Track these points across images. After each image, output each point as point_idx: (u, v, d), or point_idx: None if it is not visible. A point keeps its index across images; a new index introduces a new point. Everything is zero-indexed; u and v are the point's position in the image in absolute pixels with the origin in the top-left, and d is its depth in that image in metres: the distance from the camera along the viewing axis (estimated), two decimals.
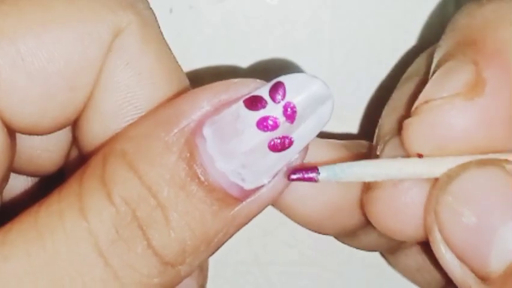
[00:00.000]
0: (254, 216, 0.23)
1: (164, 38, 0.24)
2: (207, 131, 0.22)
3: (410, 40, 0.35)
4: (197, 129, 0.22)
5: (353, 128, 0.36)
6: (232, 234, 0.23)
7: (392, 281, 0.37)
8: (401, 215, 0.24)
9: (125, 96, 0.23)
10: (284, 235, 0.37)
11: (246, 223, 0.23)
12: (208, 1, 0.34)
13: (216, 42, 0.34)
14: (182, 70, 0.24)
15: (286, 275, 0.38)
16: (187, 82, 0.24)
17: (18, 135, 0.25)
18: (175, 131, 0.22)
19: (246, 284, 0.38)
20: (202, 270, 0.27)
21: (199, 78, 0.34)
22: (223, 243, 0.23)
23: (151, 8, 0.24)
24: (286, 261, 0.37)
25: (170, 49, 0.24)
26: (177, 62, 0.24)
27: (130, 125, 0.23)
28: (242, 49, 0.35)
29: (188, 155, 0.21)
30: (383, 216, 0.25)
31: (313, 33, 0.35)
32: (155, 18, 0.24)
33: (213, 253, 0.23)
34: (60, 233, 0.21)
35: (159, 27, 0.24)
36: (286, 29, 0.35)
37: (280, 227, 0.37)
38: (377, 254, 0.37)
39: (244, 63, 0.35)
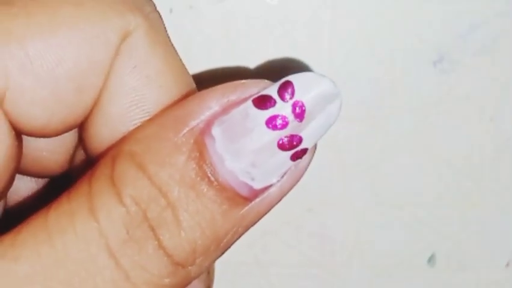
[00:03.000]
0: (262, 216, 0.23)
1: (171, 41, 0.24)
2: (216, 130, 0.22)
3: (410, 40, 0.35)
4: (206, 129, 0.22)
5: (353, 127, 0.36)
6: (241, 235, 0.23)
7: (392, 282, 0.37)
8: None
9: (132, 99, 0.23)
10: (285, 236, 0.37)
11: (255, 223, 0.23)
12: (208, 1, 0.34)
13: (216, 42, 0.34)
14: (189, 73, 0.24)
15: (286, 276, 0.38)
16: (193, 85, 0.24)
17: (24, 136, 0.24)
18: (184, 131, 0.22)
19: (247, 285, 0.38)
20: (208, 273, 0.27)
21: (200, 78, 0.34)
22: (232, 244, 0.23)
23: (157, 11, 0.24)
24: (287, 262, 0.38)
25: (177, 52, 0.24)
26: (184, 65, 0.24)
27: (138, 127, 0.23)
28: (242, 49, 0.35)
29: (197, 154, 0.21)
30: None
31: (313, 33, 0.35)
32: (162, 21, 0.24)
33: (222, 254, 0.23)
34: (70, 234, 0.21)
35: (166, 30, 0.24)
36: (286, 29, 0.35)
37: (280, 227, 0.37)
38: (377, 255, 0.37)
39: (244, 63, 0.35)
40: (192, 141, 0.21)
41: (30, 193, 0.28)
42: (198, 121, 0.22)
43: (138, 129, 0.23)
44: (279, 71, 0.35)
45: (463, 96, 0.36)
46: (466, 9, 0.35)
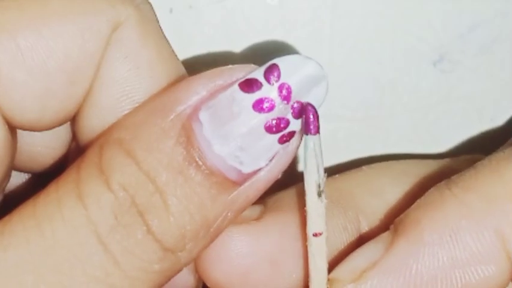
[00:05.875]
0: (252, 200, 0.23)
1: (162, 32, 0.24)
2: (203, 115, 0.22)
3: (410, 40, 0.35)
4: (193, 114, 0.22)
5: (353, 127, 0.36)
6: (231, 221, 0.23)
7: None
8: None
9: (123, 89, 0.23)
10: None
11: (245, 208, 0.23)
12: (208, 1, 0.34)
13: (216, 42, 0.34)
14: (181, 64, 0.25)
15: None
16: (186, 76, 0.24)
17: (18, 132, 0.25)
18: (172, 116, 0.22)
19: None
20: None
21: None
22: (222, 230, 0.23)
23: (149, 2, 0.24)
24: None
25: (169, 42, 0.24)
26: (176, 56, 0.24)
27: (126, 115, 0.23)
28: (242, 49, 0.35)
29: (185, 139, 0.21)
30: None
31: (313, 33, 0.35)
32: (154, 11, 0.24)
33: (213, 241, 0.23)
34: (59, 221, 0.21)
35: (157, 21, 0.24)
36: (286, 29, 0.35)
37: None
38: None
39: (244, 63, 0.35)
40: (179, 126, 0.22)
41: (26, 188, 0.28)
42: (185, 106, 0.22)
43: (125, 116, 0.23)
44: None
45: (463, 96, 0.35)
46: (466, 9, 0.35)
